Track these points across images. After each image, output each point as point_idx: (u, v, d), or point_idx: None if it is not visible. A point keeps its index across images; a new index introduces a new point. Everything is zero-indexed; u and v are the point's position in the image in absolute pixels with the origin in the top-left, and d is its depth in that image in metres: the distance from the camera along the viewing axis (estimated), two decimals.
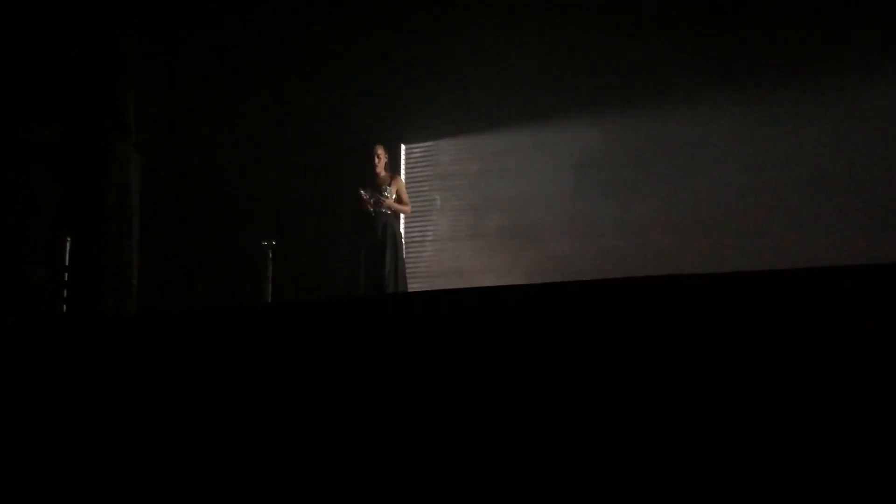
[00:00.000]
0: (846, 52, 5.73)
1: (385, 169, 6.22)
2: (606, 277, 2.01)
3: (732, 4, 5.95)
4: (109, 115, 4.09)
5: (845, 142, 5.71)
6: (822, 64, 5.77)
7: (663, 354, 1.72)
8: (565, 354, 1.80)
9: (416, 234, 7.05)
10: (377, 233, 5.99)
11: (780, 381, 1.62)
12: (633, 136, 6.37)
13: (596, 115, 6.50)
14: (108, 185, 3.99)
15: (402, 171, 7.10)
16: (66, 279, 4.09)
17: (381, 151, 6.20)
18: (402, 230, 6.59)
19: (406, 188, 6.41)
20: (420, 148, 7.22)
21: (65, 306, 4.08)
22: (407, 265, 6.33)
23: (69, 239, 4.25)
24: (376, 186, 6.08)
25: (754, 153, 5.97)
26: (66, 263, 4.16)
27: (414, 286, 6.51)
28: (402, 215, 6.48)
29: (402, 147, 7.19)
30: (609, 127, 6.47)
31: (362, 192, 6.01)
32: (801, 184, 5.77)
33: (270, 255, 6.32)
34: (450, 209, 7.06)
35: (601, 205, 6.42)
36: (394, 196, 6.11)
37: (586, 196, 6.49)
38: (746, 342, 1.66)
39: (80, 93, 4.22)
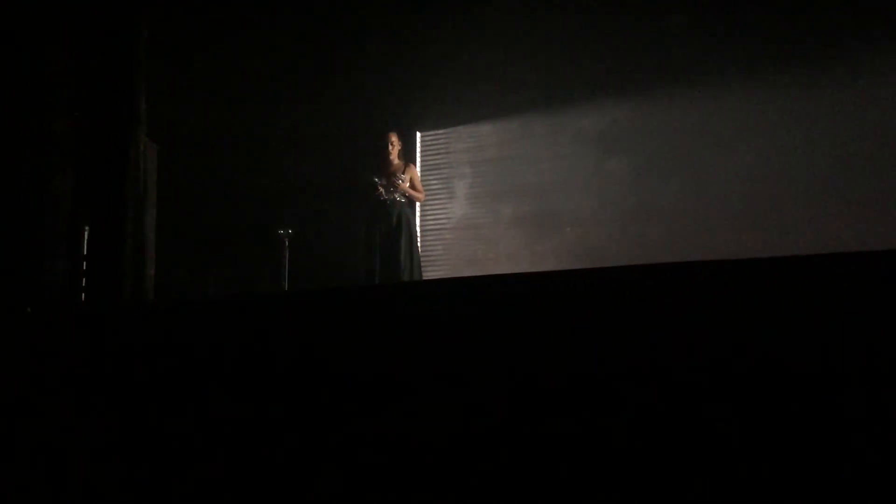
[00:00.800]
0: (882, 36, 5.64)
1: (399, 157, 6.20)
2: (628, 264, 1.99)
3: None
4: (125, 104, 4.10)
5: (881, 126, 5.60)
6: (858, 46, 5.68)
7: (689, 343, 1.70)
8: (590, 345, 1.78)
9: (431, 223, 7.04)
10: (391, 221, 5.99)
11: (809, 371, 1.60)
12: (658, 120, 6.33)
13: (618, 98, 6.45)
14: (126, 175, 4.01)
15: (418, 159, 7.09)
16: (83, 269, 4.12)
17: (394, 138, 6.19)
18: (416, 219, 6.57)
19: (420, 176, 6.40)
20: (435, 135, 7.21)
21: (83, 295, 4.11)
22: (422, 253, 6.33)
23: (87, 229, 4.28)
24: (390, 174, 6.07)
25: (787, 137, 5.87)
26: (84, 253, 4.19)
27: (429, 274, 6.52)
28: (416, 203, 6.46)
29: (418, 134, 7.17)
30: (631, 110, 6.43)
31: (376, 179, 6.01)
32: (834, 168, 5.68)
33: (287, 243, 6.34)
34: (466, 196, 7.05)
35: (623, 191, 6.38)
36: (408, 184, 6.10)
37: (607, 181, 6.45)
38: (777, 332, 1.64)
39: (95, 82, 4.24)
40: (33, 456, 2.50)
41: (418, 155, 7.13)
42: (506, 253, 6.70)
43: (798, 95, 5.83)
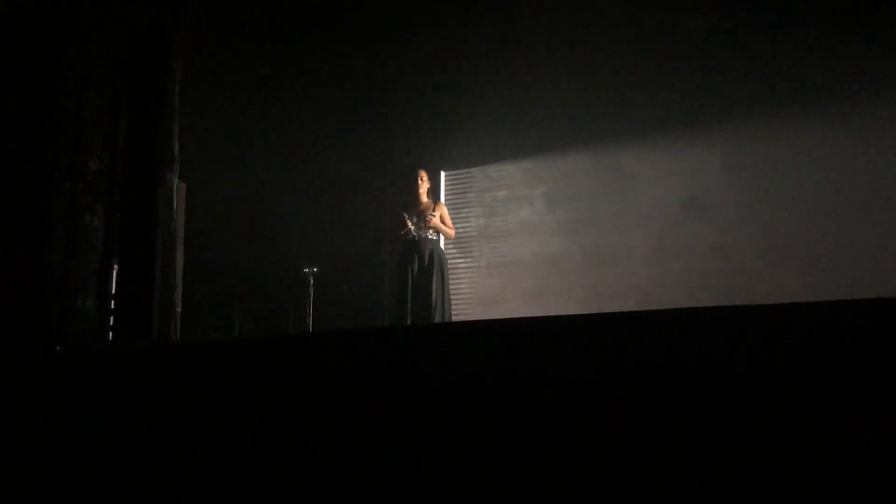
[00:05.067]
0: None
1: (427, 195, 6.25)
2: (657, 309, 2.00)
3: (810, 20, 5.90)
4: (158, 145, 4.21)
5: None
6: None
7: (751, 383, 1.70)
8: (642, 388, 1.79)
9: (457, 262, 7.08)
10: (423, 258, 6.01)
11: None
12: (696, 157, 6.37)
13: (643, 137, 6.51)
14: (157, 215, 4.10)
15: (443, 198, 7.16)
16: (112, 308, 4.19)
17: (424, 175, 6.24)
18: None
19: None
20: (461, 175, 7.28)
21: (111, 334, 4.17)
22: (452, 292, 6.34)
23: (115, 267, 4.35)
24: (420, 212, 6.11)
25: (856, 173, 5.81)
26: (113, 292, 4.26)
27: (456, 314, 6.52)
28: (443, 239, 6.50)
29: (442, 174, 7.25)
30: (651, 149, 6.48)
31: (405, 215, 6.04)
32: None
33: (312, 282, 6.38)
34: (493, 235, 7.09)
35: (652, 228, 6.41)
36: (437, 220, 6.11)
37: (640, 219, 6.47)
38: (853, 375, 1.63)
39: (128, 123, 4.36)
40: (64, 489, 2.54)
41: (442, 193, 7.20)
42: (539, 291, 6.71)
43: (865, 136, 5.81)
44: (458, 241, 7.00)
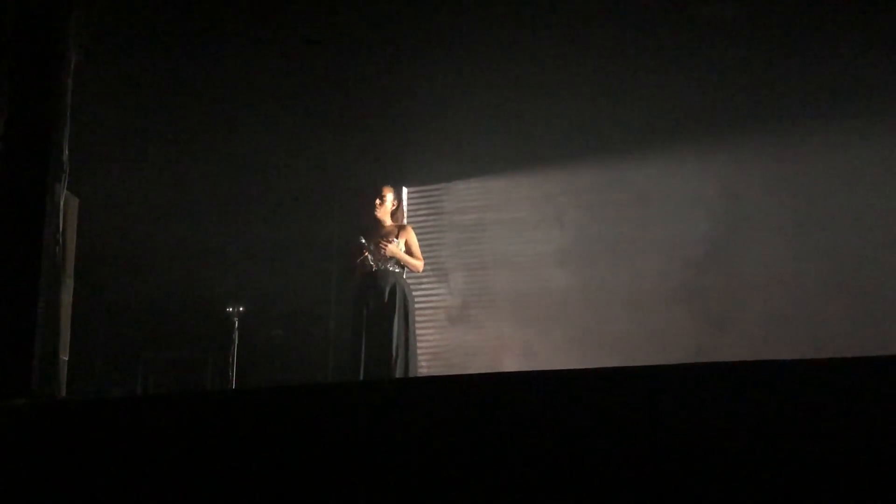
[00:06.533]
0: None
1: (393, 218, 6.21)
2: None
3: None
4: (42, 150, 4.15)
5: None
6: None
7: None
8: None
9: (422, 300, 7.06)
10: (383, 296, 5.95)
11: None
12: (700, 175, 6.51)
13: (648, 150, 6.64)
14: (39, 238, 4.02)
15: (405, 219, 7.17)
16: None
17: (389, 193, 6.20)
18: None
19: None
20: (428, 192, 7.32)
21: None
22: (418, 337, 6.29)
23: None
24: (381, 237, 6.05)
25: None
26: None
27: (423, 367, 6.49)
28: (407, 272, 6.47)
29: (405, 191, 7.27)
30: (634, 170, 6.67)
31: (363, 240, 5.99)
32: None
33: (237, 325, 6.33)
34: (467, 267, 7.11)
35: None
36: (402, 248, 6.05)
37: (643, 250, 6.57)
38: None
39: (6, 122, 4.29)
40: None
41: (405, 215, 7.22)
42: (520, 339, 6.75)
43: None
44: (426, 275, 6.98)
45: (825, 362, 1.84)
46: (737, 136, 6.48)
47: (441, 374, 6.66)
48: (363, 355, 5.90)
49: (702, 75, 6.39)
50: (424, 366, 6.57)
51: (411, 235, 6.16)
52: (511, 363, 6.52)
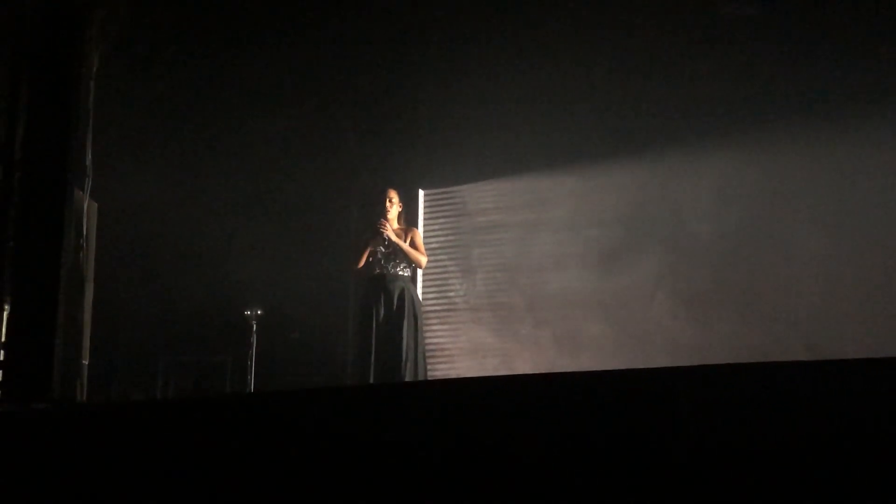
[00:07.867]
0: None
1: (399, 220, 6.26)
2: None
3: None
4: (63, 156, 4.17)
5: None
6: None
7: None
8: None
9: (431, 302, 7.07)
10: (392, 300, 5.98)
11: None
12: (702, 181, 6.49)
13: (665, 149, 6.63)
14: (61, 242, 4.05)
15: (420, 222, 7.17)
16: (2, 359, 4.12)
17: (394, 196, 6.25)
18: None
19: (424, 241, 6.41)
20: (444, 195, 7.32)
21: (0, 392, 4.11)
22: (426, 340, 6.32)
23: (6, 309, 4.29)
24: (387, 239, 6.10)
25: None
26: (2, 339, 4.20)
27: (432, 370, 6.50)
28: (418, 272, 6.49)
29: (421, 193, 7.28)
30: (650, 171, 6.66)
31: (380, 224, 6.07)
32: None
33: (255, 328, 6.35)
34: (481, 268, 7.10)
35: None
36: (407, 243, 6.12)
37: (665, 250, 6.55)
38: None
39: (27, 127, 4.32)
40: None
41: (421, 217, 7.22)
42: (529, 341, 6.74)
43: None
44: (436, 277, 6.99)
45: (837, 364, 1.82)
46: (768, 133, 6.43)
47: (453, 376, 6.68)
48: (372, 359, 5.94)
49: (735, 69, 6.34)
50: (440, 368, 6.58)
51: (417, 235, 6.29)
52: (523, 365, 6.52)
